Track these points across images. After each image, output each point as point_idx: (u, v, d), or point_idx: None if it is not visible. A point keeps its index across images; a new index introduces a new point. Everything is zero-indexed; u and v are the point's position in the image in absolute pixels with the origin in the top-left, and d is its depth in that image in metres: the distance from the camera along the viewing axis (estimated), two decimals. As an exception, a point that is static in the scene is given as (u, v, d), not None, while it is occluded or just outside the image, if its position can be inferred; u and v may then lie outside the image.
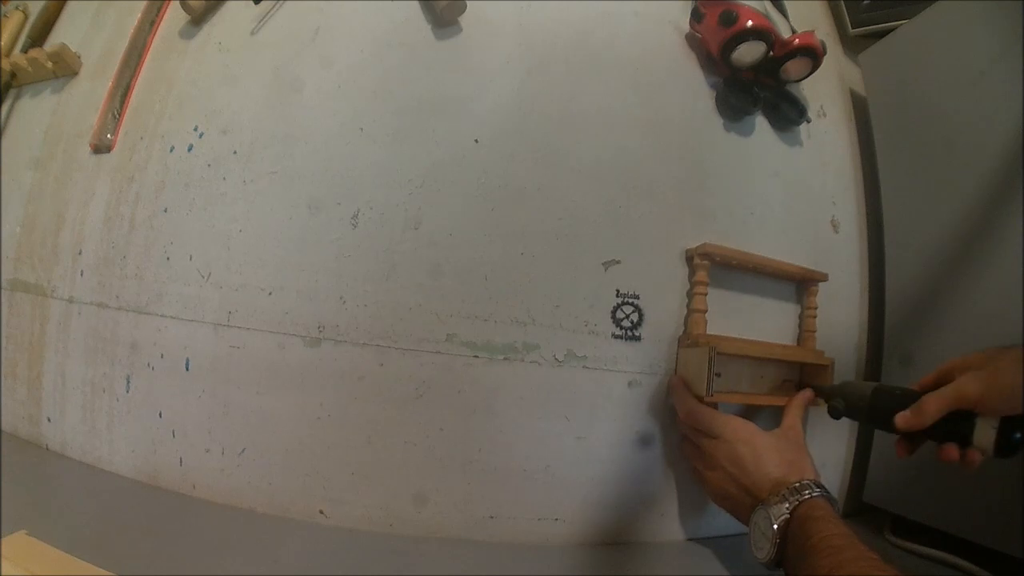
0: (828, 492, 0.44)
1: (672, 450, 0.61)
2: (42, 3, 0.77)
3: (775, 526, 0.42)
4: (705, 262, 0.61)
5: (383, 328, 0.55)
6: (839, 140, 0.80)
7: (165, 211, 0.61)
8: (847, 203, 0.78)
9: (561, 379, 0.57)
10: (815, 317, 0.67)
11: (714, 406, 0.55)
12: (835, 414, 0.54)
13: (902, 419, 0.45)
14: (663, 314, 0.61)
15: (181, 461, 0.57)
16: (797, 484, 0.44)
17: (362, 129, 0.58)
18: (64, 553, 0.41)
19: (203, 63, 0.64)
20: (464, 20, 0.60)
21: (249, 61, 0.62)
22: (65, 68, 0.71)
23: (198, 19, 0.65)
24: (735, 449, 0.50)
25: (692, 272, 0.62)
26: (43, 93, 0.74)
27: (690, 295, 0.62)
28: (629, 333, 0.60)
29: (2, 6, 0.80)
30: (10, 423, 0.66)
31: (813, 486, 0.44)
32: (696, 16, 0.66)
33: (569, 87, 0.62)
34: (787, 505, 0.43)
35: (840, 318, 0.73)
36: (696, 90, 0.68)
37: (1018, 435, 0.40)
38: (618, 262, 0.60)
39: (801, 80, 0.69)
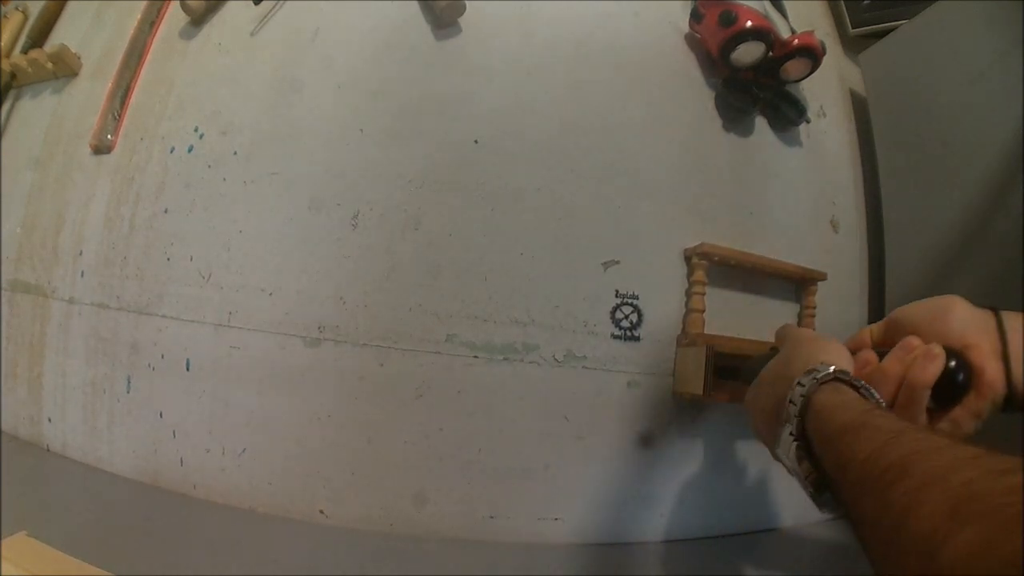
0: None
1: (672, 450, 0.61)
2: (42, 3, 0.77)
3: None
4: (703, 262, 0.61)
5: (383, 328, 0.55)
6: (839, 140, 0.80)
7: (165, 212, 0.61)
8: (847, 203, 0.78)
9: (561, 379, 0.57)
10: (814, 316, 0.68)
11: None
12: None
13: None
14: (662, 314, 0.61)
15: (182, 461, 0.57)
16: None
17: (362, 130, 0.58)
18: (64, 553, 0.41)
19: (203, 64, 0.64)
20: (464, 21, 0.60)
21: (249, 62, 0.62)
22: (65, 69, 0.71)
23: (198, 20, 0.66)
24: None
25: (690, 272, 0.62)
26: (43, 94, 0.74)
27: (688, 295, 0.62)
28: (628, 333, 0.60)
29: (2, 7, 0.80)
30: (11, 423, 0.66)
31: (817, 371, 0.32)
32: (696, 16, 0.66)
33: (569, 88, 0.62)
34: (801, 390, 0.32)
35: (840, 317, 0.73)
36: (695, 90, 0.68)
37: (953, 362, 0.33)
38: (617, 262, 0.60)
39: (801, 80, 0.69)
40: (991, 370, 0.33)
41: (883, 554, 0.21)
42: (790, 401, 0.32)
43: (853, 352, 0.39)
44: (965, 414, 0.33)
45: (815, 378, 0.31)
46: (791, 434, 0.31)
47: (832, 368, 0.32)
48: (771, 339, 0.66)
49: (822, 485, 0.29)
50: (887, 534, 0.20)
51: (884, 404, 0.31)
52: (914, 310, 0.39)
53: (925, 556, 0.17)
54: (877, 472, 0.22)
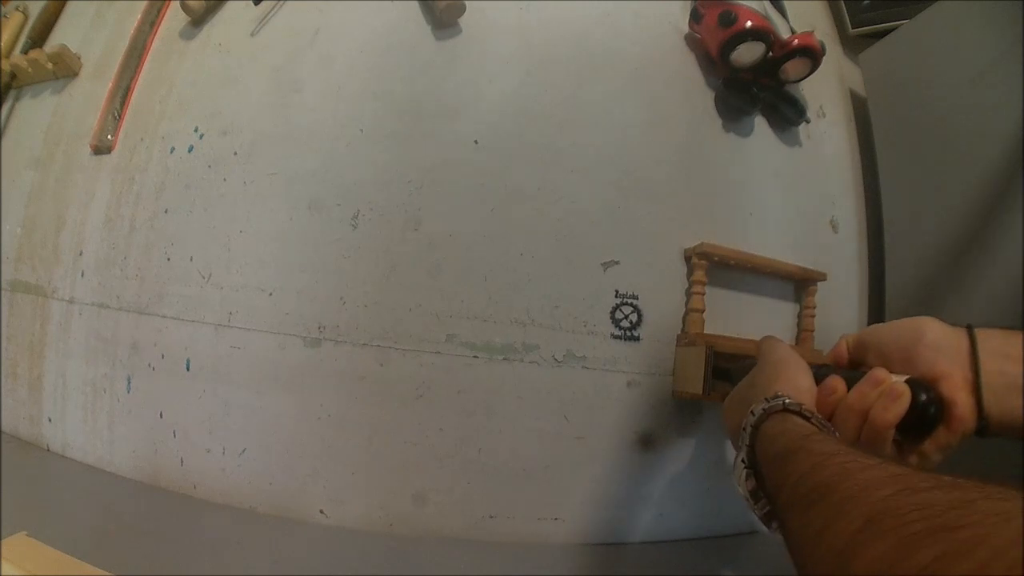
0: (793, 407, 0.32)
1: (671, 450, 0.61)
2: (42, 3, 0.77)
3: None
4: (703, 262, 0.61)
5: (383, 328, 0.55)
6: (839, 140, 0.80)
7: (166, 212, 0.61)
8: (847, 203, 0.78)
9: (560, 379, 0.57)
10: (813, 316, 0.67)
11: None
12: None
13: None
14: (662, 314, 0.61)
15: (182, 461, 0.57)
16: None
17: (362, 130, 0.58)
18: (64, 554, 0.41)
19: (203, 64, 0.64)
20: (464, 21, 0.60)
21: (249, 62, 0.62)
22: (65, 69, 0.71)
23: (198, 20, 0.66)
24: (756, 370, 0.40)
25: (690, 271, 0.62)
26: (43, 94, 0.74)
27: (688, 294, 0.62)
28: (628, 333, 0.60)
29: (2, 7, 0.80)
30: (11, 424, 0.66)
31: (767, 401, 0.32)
32: (695, 16, 0.66)
33: (568, 87, 0.62)
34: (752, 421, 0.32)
35: (839, 318, 0.73)
36: (695, 90, 0.68)
37: (923, 396, 0.31)
38: (617, 263, 0.60)
39: (800, 80, 0.69)
40: (962, 404, 0.31)
41: (803, 572, 0.21)
42: (743, 428, 0.32)
43: (831, 364, 0.39)
44: (933, 447, 0.32)
45: (764, 409, 0.31)
46: (742, 461, 0.32)
47: (784, 401, 0.31)
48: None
49: (771, 513, 0.29)
50: (807, 549, 0.21)
51: (831, 430, 0.31)
52: (884, 335, 0.37)
53: (837, 570, 0.18)
54: (803, 492, 0.23)
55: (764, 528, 0.31)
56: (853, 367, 0.39)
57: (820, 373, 0.36)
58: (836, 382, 0.34)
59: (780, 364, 0.37)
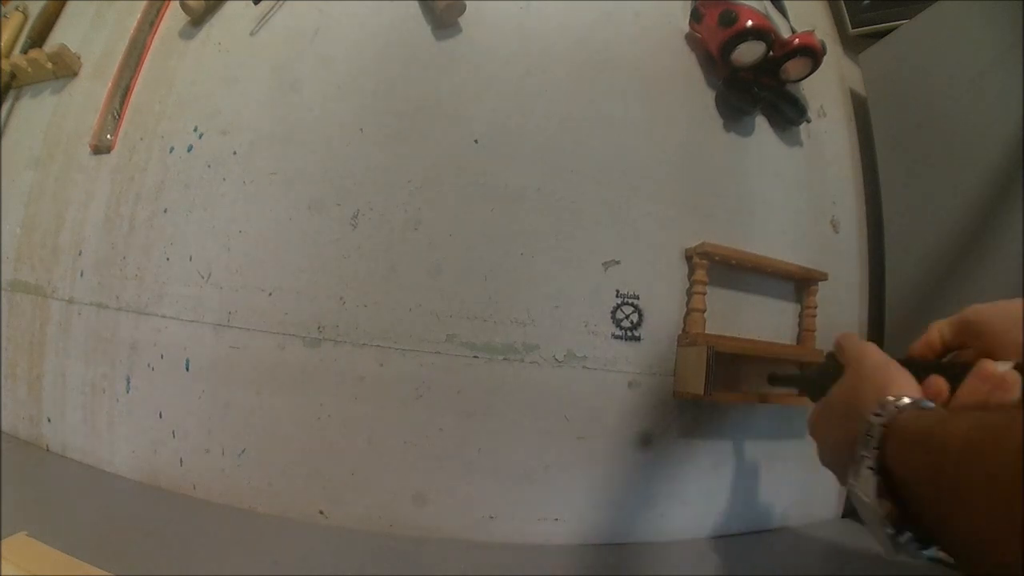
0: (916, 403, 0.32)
1: (672, 450, 0.61)
2: (42, 3, 0.77)
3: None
4: (704, 261, 0.61)
5: (383, 328, 0.55)
6: (839, 140, 0.80)
7: (165, 212, 0.61)
8: (847, 203, 0.78)
9: (561, 379, 0.57)
10: (815, 316, 0.67)
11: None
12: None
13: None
14: (663, 314, 0.61)
15: (181, 461, 0.57)
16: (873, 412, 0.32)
17: (362, 130, 0.58)
18: (64, 554, 0.41)
19: (203, 64, 0.64)
20: (464, 21, 0.60)
21: (249, 62, 0.62)
22: (65, 69, 0.71)
23: (198, 20, 0.66)
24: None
25: (691, 271, 0.62)
26: (43, 94, 0.74)
27: (689, 294, 0.62)
28: (629, 333, 0.60)
29: (2, 7, 0.80)
30: (10, 423, 0.66)
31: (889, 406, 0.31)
32: (696, 16, 0.66)
33: (569, 87, 0.62)
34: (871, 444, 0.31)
35: (840, 317, 0.73)
36: (695, 90, 0.68)
37: None
38: (618, 262, 0.60)
39: (801, 80, 0.69)
40: None
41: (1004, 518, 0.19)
42: (867, 434, 0.31)
43: (923, 355, 0.39)
44: None
45: (897, 407, 0.31)
46: (870, 467, 0.30)
47: (908, 400, 0.31)
48: (769, 337, 0.67)
49: (903, 521, 0.28)
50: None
51: None
52: (991, 314, 0.37)
53: None
54: (991, 423, 0.22)
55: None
56: (945, 353, 0.38)
57: (915, 371, 0.35)
58: (939, 382, 0.34)
59: (882, 368, 0.36)
